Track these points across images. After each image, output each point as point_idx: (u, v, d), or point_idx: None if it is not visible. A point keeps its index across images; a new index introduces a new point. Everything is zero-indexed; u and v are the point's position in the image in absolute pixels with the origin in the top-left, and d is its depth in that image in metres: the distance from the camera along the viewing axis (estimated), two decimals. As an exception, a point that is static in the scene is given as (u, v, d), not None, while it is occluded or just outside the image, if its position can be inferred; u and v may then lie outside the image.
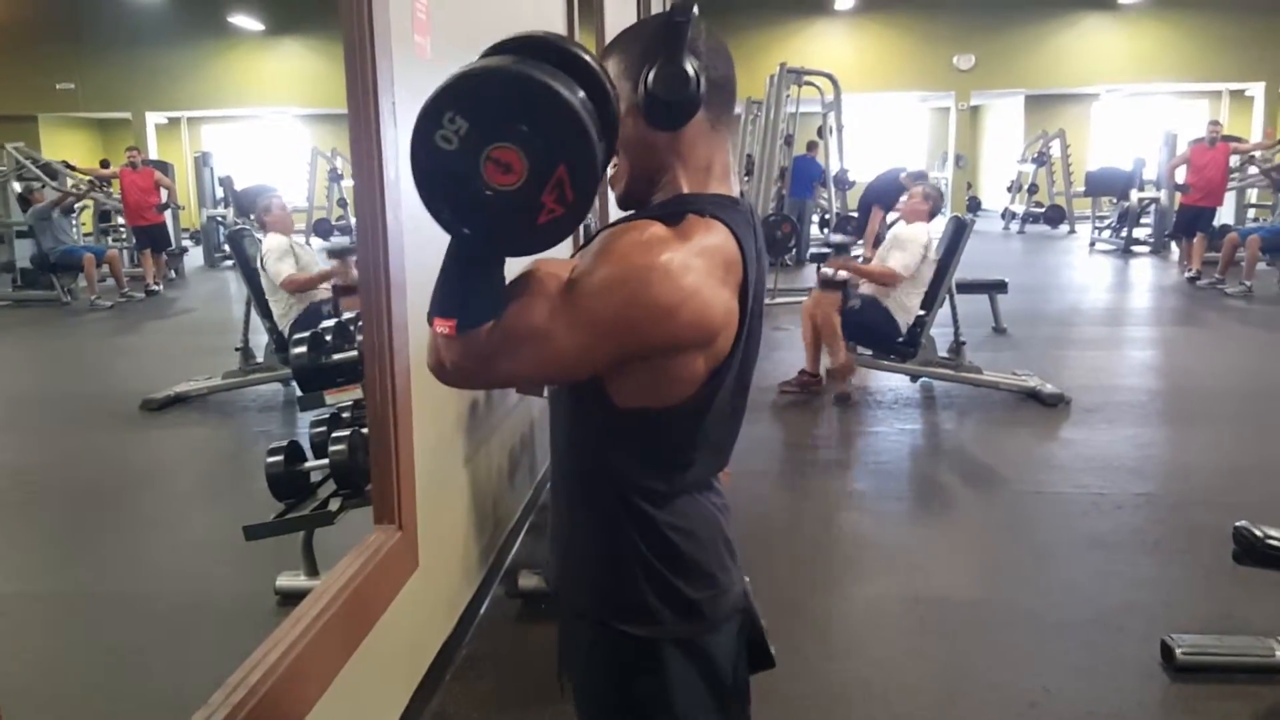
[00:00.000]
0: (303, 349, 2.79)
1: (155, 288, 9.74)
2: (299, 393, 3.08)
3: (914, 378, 5.73)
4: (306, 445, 3.00)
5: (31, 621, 3.04)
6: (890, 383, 5.89)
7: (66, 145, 14.74)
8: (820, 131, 10.08)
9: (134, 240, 10.26)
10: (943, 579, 3.31)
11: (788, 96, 9.40)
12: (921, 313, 5.48)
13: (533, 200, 0.95)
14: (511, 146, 0.93)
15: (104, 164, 11.93)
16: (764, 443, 4.91)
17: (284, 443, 2.94)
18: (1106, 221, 14.48)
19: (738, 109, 9.07)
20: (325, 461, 2.88)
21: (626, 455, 1.17)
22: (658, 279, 1.03)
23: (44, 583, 3.34)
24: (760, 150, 9.52)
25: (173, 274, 10.68)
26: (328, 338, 2.88)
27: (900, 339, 5.44)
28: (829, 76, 9.30)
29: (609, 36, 5.93)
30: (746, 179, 10.70)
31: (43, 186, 9.37)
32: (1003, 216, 17.83)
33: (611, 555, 1.19)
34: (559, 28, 4.19)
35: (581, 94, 0.96)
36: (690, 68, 1.10)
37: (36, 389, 6.25)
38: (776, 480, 4.37)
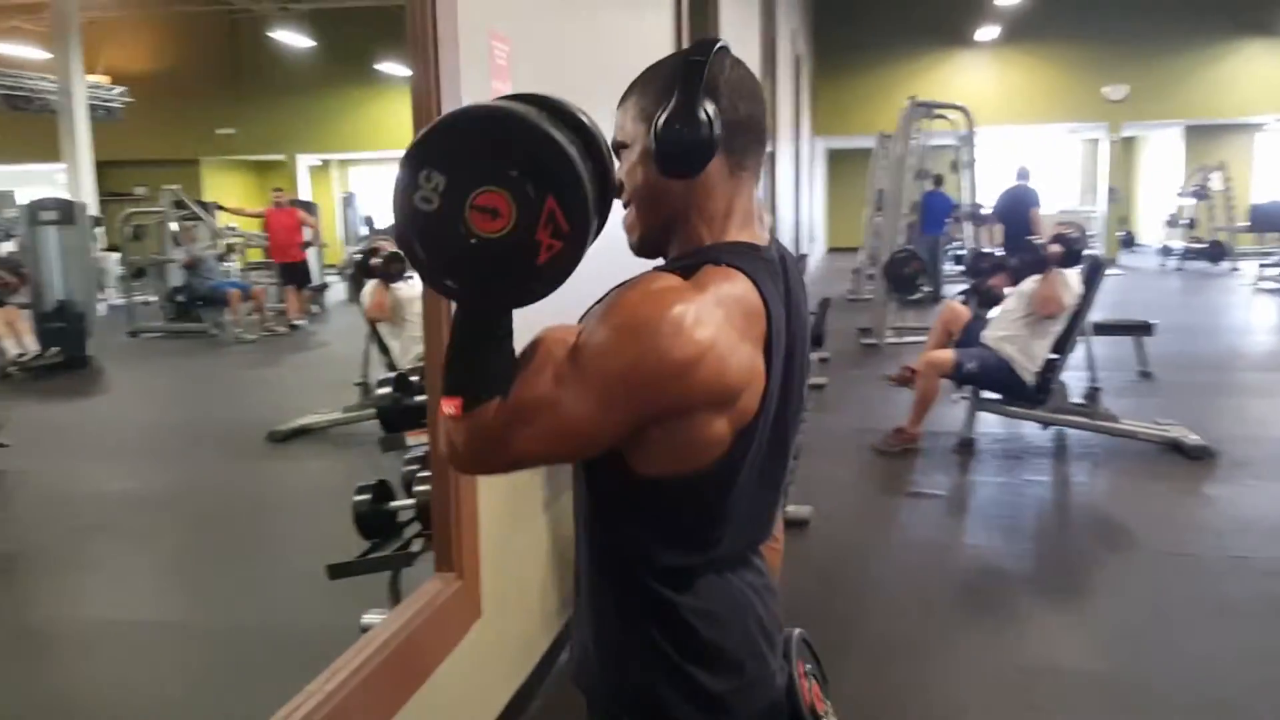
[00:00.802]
0: (387, 389, 2.80)
1: (297, 322, 10.17)
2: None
3: (1045, 425, 5.40)
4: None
5: (120, 648, 3.13)
6: (1019, 429, 5.57)
7: (226, 186, 15.68)
8: (955, 165, 9.77)
9: (279, 276, 10.78)
10: (1060, 647, 3.06)
11: (918, 130, 9.16)
12: (1054, 357, 5.18)
13: (528, 240, 0.89)
14: (494, 189, 0.88)
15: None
16: (870, 490, 4.71)
17: (372, 481, 2.96)
18: (1272, 259, 13.53)
19: (870, 143, 8.92)
20: (412, 501, 2.88)
21: (646, 529, 1.07)
22: (669, 332, 0.93)
23: (142, 610, 3.47)
24: (890, 185, 9.29)
25: (316, 309, 11.14)
26: (413, 378, 2.89)
27: (1028, 386, 5.16)
28: (961, 109, 9.01)
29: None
30: (877, 214, 10.46)
31: (195, 226, 9.95)
32: (1160, 253, 16.89)
33: (623, 643, 1.10)
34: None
35: (552, 122, 0.91)
36: (704, 111, 1.02)
37: (176, 417, 6.58)
38: (881, 532, 4.16)
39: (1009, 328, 5.19)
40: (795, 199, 12.29)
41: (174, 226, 10.15)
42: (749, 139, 1.09)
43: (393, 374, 2.88)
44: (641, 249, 1.13)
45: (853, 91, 16.51)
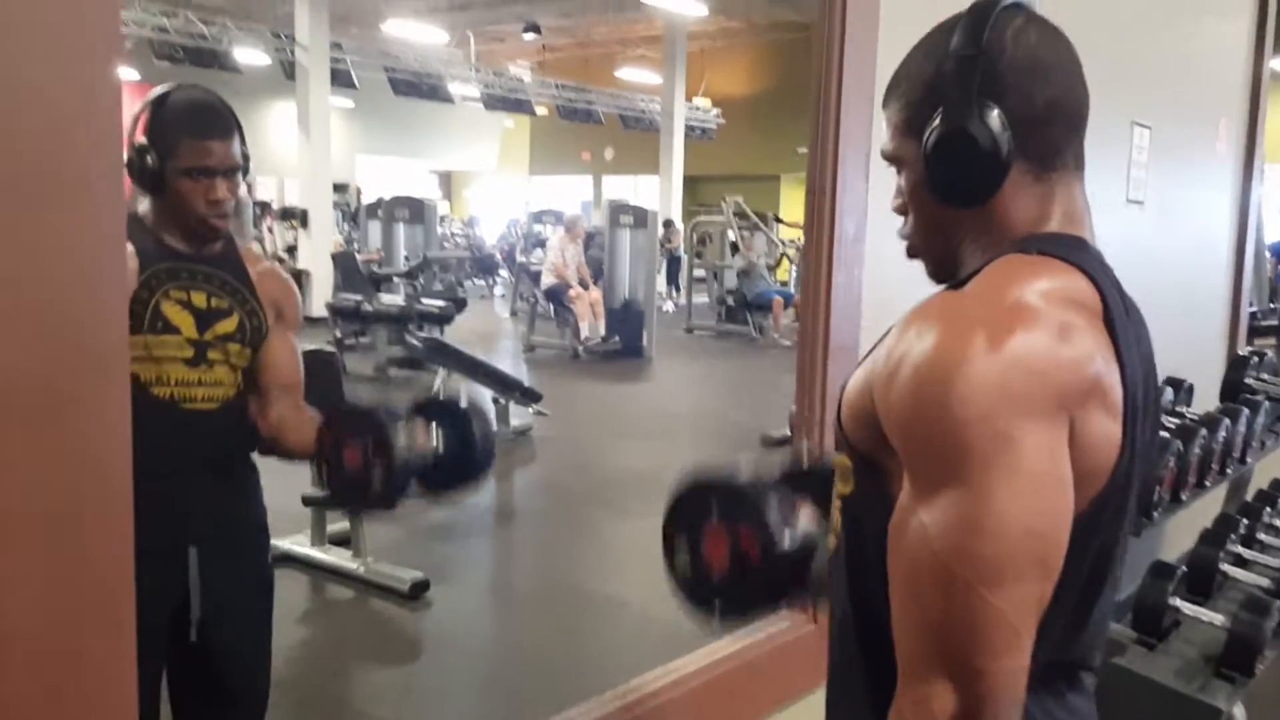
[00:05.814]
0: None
1: (835, 332, 10.34)
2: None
3: None
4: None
5: (567, 613, 3.38)
6: None
7: (799, 200, 16.51)
8: None
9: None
10: None
11: None
12: None
13: None
14: None
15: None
16: None
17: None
18: None
19: None
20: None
21: None
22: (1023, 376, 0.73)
23: (606, 583, 3.74)
24: None
25: (856, 322, 11.25)
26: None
27: None
28: None
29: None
30: None
31: (752, 236, 10.59)
32: None
33: None
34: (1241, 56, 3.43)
35: None
36: (984, 126, 0.80)
37: (696, 408, 7.05)
38: None
39: None
40: None
41: (732, 236, 10.91)
42: (1058, 129, 0.84)
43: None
44: (938, 278, 0.91)
45: None
